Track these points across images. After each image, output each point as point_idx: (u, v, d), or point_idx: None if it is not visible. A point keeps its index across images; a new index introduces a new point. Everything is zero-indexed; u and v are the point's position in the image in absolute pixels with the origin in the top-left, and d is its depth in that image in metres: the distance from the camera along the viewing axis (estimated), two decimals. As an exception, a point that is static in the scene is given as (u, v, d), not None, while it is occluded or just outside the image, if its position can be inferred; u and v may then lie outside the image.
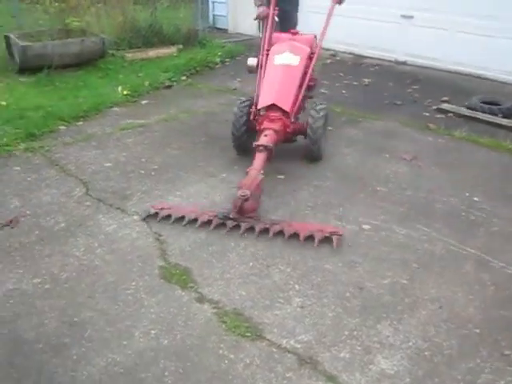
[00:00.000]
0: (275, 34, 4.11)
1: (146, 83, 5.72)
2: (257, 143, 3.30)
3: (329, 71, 6.38)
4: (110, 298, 2.39)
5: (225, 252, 2.75)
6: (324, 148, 3.85)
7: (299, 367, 2.03)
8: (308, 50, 3.89)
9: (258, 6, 4.61)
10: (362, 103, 5.31)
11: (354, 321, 2.29)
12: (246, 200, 2.86)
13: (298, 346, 2.13)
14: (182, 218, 2.96)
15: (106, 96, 5.23)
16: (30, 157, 3.90)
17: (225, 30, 9.04)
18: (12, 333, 2.19)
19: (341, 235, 2.84)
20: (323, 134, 3.73)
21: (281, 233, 2.86)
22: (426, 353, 2.12)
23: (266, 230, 2.88)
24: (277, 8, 4.16)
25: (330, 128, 4.20)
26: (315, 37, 4.05)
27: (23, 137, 4.17)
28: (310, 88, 3.93)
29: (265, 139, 3.33)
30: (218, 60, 6.88)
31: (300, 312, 2.33)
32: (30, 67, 5.73)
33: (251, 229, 2.88)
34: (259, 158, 3.21)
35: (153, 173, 3.66)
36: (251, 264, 2.65)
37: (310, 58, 3.89)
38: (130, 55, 6.64)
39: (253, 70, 3.98)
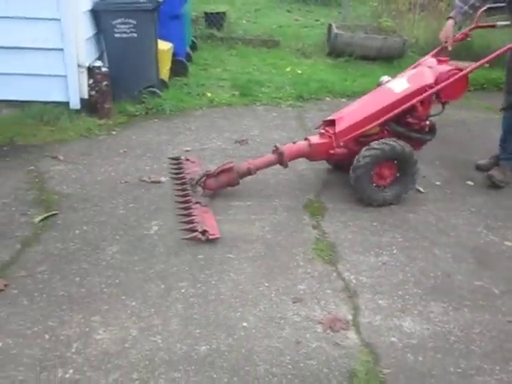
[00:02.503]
0: (427, 57, 3.78)
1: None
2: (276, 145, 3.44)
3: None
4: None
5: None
6: (380, 200, 3.40)
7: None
8: (428, 81, 3.40)
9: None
10: None
11: None
12: (209, 176, 3.31)
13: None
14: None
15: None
16: (290, 111, 5.11)
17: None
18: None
19: (214, 238, 2.91)
20: (366, 180, 3.32)
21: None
22: None
23: (186, 205, 3.18)
24: None
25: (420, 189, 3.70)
26: (458, 69, 3.40)
27: (294, 97, 5.42)
28: (415, 128, 3.45)
29: (288, 145, 3.45)
30: None
31: None
32: (337, 52, 7.00)
33: (184, 196, 3.28)
34: (265, 158, 3.43)
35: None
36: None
37: (426, 91, 3.37)
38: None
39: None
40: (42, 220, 3.07)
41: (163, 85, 5.20)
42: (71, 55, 4.24)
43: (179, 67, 5.78)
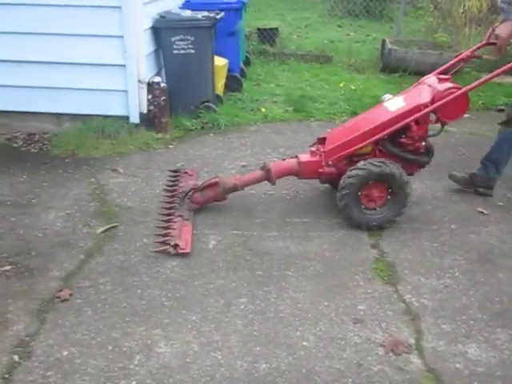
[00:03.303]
0: (431, 75, 3.52)
1: (480, 102, 6.15)
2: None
3: None
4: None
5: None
6: (364, 222, 3.24)
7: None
8: (424, 100, 3.20)
9: None
10: None
11: None
12: (196, 191, 3.32)
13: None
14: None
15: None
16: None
17: None
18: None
19: (184, 252, 2.90)
20: (353, 202, 3.17)
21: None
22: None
23: (168, 218, 3.21)
24: None
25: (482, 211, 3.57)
26: (456, 88, 3.19)
27: (348, 112, 5.38)
28: (410, 149, 3.26)
29: (277, 162, 3.46)
30: None
31: None
32: (390, 67, 6.92)
33: (168, 208, 3.31)
34: (252, 174, 3.42)
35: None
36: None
37: (420, 110, 3.18)
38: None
39: None
40: (104, 231, 3.15)
41: (218, 100, 5.27)
42: (132, 71, 4.36)
43: (234, 82, 5.86)
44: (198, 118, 4.88)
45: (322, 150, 3.35)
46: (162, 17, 4.80)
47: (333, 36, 9.30)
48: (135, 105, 4.46)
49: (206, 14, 4.91)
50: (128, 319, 2.45)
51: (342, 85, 6.25)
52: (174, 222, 3.16)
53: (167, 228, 3.11)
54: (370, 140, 3.23)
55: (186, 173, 3.83)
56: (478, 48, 3.62)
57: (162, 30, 4.80)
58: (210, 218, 3.33)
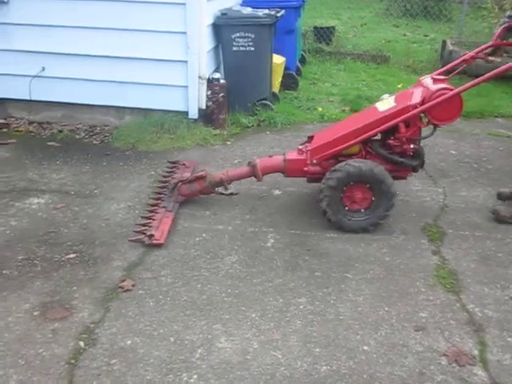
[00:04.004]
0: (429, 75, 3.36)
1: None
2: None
3: None
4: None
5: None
6: (344, 223, 3.17)
7: None
8: (414, 101, 3.06)
9: None
10: None
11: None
12: (183, 183, 3.37)
13: None
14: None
15: (492, 107, 5.74)
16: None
17: None
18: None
19: (157, 243, 2.95)
20: (333, 203, 3.11)
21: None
22: None
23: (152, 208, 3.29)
24: None
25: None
26: (447, 89, 3.00)
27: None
28: (397, 151, 3.15)
29: (264, 158, 3.42)
30: None
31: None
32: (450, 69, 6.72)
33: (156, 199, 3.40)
34: (239, 169, 3.43)
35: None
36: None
37: (409, 111, 3.05)
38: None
39: None
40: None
41: (275, 98, 5.27)
42: (194, 67, 4.42)
43: (290, 81, 5.85)
44: (254, 115, 4.90)
45: (308, 148, 3.31)
46: (223, 14, 4.84)
47: (389, 36, 9.15)
48: (195, 100, 4.52)
49: (266, 11, 4.91)
50: (189, 313, 2.48)
51: (399, 86, 6.13)
52: (157, 213, 3.23)
53: (149, 218, 3.18)
54: (354, 140, 3.14)
55: (184, 164, 3.89)
56: (484, 49, 3.44)
57: (222, 26, 4.84)
58: (267, 217, 3.33)
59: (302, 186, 3.68)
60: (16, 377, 2.12)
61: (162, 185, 3.60)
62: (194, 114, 4.56)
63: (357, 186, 3.09)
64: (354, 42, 8.18)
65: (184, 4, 4.23)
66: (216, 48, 5.00)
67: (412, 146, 3.12)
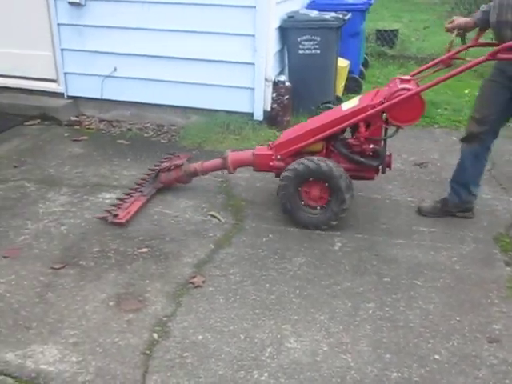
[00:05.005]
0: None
1: None
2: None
3: None
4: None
5: None
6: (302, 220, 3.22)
7: None
8: (376, 100, 3.05)
9: None
10: None
11: None
12: (162, 171, 3.56)
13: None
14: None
15: None
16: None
17: None
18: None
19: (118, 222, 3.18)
20: (289, 199, 3.17)
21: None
22: None
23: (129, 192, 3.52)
24: None
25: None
26: (406, 90, 2.96)
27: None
28: (357, 150, 3.16)
29: (236, 152, 3.54)
30: None
31: None
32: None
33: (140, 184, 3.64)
34: (213, 161, 3.53)
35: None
36: None
37: (367, 111, 3.04)
38: None
39: None
40: (214, 216, 3.32)
41: (338, 101, 5.24)
42: (260, 69, 4.47)
43: (353, 84, 5.81)
44: (318, 118, 4.89)
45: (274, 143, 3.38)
46: (290, 17, 4.87)
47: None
48: (260, 102, 4.57)
49: (334, 14, 4.91)
50: (258, 311, 2.52)
51: (466, 91, 5.98)
52: (131, 196, 3.47)
53: (121, 200, 3.44)
54: (314, 138, 3.18)
55: (178, 156, 4.00)
56: (462, 50, 3.27)
57: (289, 29, 4.88)
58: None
59: (371, 190, 3.68)
60: (94, 363, 2.21)
61: (149, 172, 3.80)
62: (259, 115, 4.61)
63: (313, 183, 3.14)
64: (417, 46, 8.02)
65: (254, 7, 4.29)
66: (281, 51, 5.03)
67: (371, 146, 3.12)
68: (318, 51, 4.86)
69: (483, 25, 3.10)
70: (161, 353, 2.28)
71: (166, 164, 3.70)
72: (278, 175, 3.39)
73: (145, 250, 3.00)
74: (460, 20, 3.19)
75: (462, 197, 3.33)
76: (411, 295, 2.66)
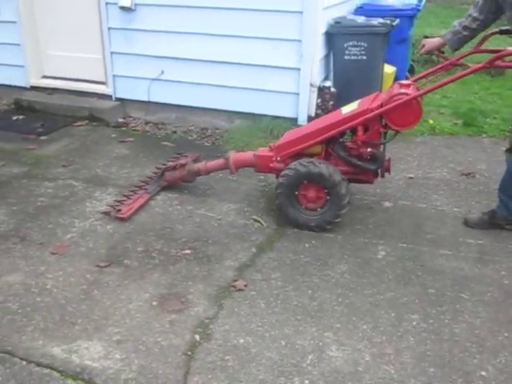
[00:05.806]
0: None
1: None
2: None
3: None
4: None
5: None
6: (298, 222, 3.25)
7: None
8: (374, 104, 3.07)
9: None
10: None
11: None
12: (167, 170, 3.65)
13: None
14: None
15: None
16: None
17: None
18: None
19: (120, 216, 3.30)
20: (287, 201, 3.21)
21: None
22: None
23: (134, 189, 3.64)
24: None
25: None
26: (404, 94, 2.97)
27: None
28: (354, 153, 3.17)
29: (238, 152, 3.61)
30: None
31: None
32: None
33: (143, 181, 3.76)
34: (215, 162, 3.57)
35: None
36: None
37: (366, 114, 3.05)
38: None
39: None
40: (256, 220, 3.33)
41: (383, 108, 5.18)
42: (306, 75, 4.46)
43: (399, 91, 5.72)
44: (362, 124, 4.84)
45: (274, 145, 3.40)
46: (336, 22, 4.85)
47: (503, 47, 8.67)
48: (305, 108, 4.56)
49: (381, 20, 4.86)
50: (299, 318, 2.51)
51: (517, 101, 5.82)
52: (136, 194, 3.58)
53: (126, 196, 3.53)
54: (313, 140, 3.20)
55: (186, 156, 4.03)
56: (463, 56, 3.30)
57: (335, 35, 4.85)
58: (378, 229, 3.29)
59: (416, 199, 3.62)
60: (137, 361, 2.25)
61: (156, 171, 3.86)
62: (303, 120, 4.59)
63: (310, 185, 3.16)
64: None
65: (301, 12, 4.29)
66: (327, 56, 5.01)
67: (369, 149, 3.13)
68: (364, 57, 4.81)
69: (454, 46, 3.22)
70: (202, 354, 2.29)
71: (171, 163, 3.79)
72: (278, 176, 3.42)
73: (188, 251, 3.03)
74: (430, 44, 3.31)
75: (511, 209, 3.24)
76: (457, 308, 2.59)
